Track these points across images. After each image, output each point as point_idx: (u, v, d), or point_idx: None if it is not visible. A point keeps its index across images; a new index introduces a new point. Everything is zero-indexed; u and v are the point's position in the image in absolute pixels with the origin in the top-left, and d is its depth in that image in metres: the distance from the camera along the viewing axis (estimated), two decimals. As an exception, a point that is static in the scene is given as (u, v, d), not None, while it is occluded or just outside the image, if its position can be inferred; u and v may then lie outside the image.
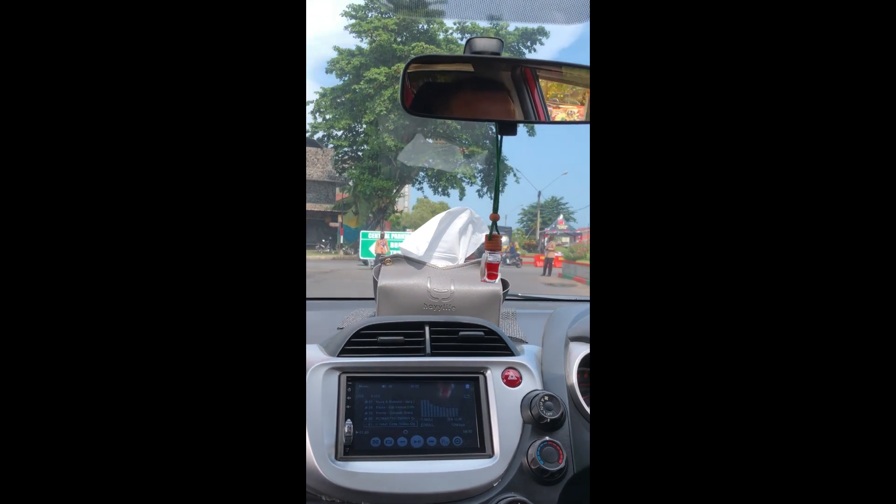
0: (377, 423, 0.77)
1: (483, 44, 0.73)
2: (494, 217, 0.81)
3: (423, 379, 0.81)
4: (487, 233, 1.14)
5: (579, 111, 0.78)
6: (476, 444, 0.77)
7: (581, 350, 0.85)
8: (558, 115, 0.78)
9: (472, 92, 0.77)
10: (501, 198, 0.81)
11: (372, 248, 13.68)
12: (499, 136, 0.77)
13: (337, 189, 23.14)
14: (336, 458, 0.72)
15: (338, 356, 0.82)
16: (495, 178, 0.80)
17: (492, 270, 0.83)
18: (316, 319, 1.09)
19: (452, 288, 1.00)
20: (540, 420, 0.77)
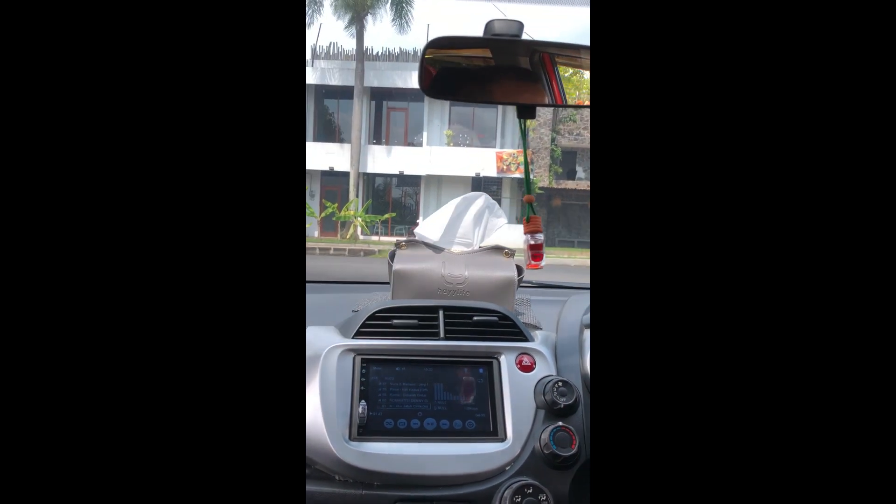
0: (391, 404, 0.78)
1: (502, 26, 0.72)
2: (529, 199, 0.80)
3: (437, 362, 0.82)
4: (504, 219, 1.14)
5: None
6: (489, 427, 0.77)
7: None
8: (577, 97, 0.77)
9: (491, 75, 0.77)
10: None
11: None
12: (520, 120, 0.77)
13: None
14: (350, 438, 0.73)
15: (353, 338, 0.83)
16: (524, 161, 0.79)
17: (535, 251, 0.79)
18: (331, 302, 1.10)
19: (466, 273, 1.00)
20: (553, 406, 0.77)
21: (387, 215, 15.94)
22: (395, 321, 0.85)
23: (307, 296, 1.13)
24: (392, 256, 1.04)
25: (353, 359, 0.80)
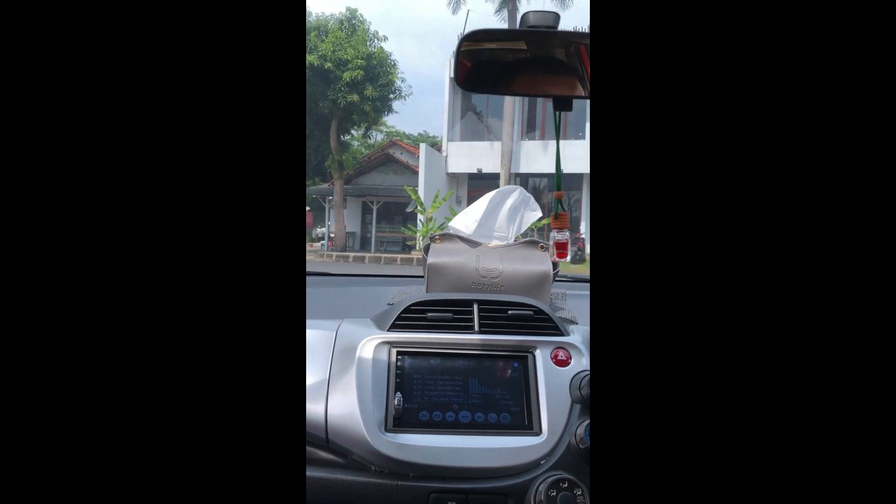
0: (426, 397, 0.78)
1: (538, 18, 0.72)
2: (558, 195, 0.79)
3: (472, 356, 0.82)
4: (539, 213, 1.13)
5: None
6: (524, 421, 0.77)
7: None
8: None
9: (527, 67, 0.76)
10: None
11: None
12: (556, 112, 0.76)
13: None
14: (386, 429, 0.74)
15: (388, 331, 0.84)
16: (556, 155, 0.78)
17: (559, 249, 0.80)
18: (367, 295, 1.12)
19: (501, 267, 1.00)
20: (589, 400, 0.76)
21: (543, 221, 14.13)
22: (430, 314, 0.85)
23: (343, 289, 1.15)
24: (426, 250, 1.04)
25: (389, 351, 0.81)
